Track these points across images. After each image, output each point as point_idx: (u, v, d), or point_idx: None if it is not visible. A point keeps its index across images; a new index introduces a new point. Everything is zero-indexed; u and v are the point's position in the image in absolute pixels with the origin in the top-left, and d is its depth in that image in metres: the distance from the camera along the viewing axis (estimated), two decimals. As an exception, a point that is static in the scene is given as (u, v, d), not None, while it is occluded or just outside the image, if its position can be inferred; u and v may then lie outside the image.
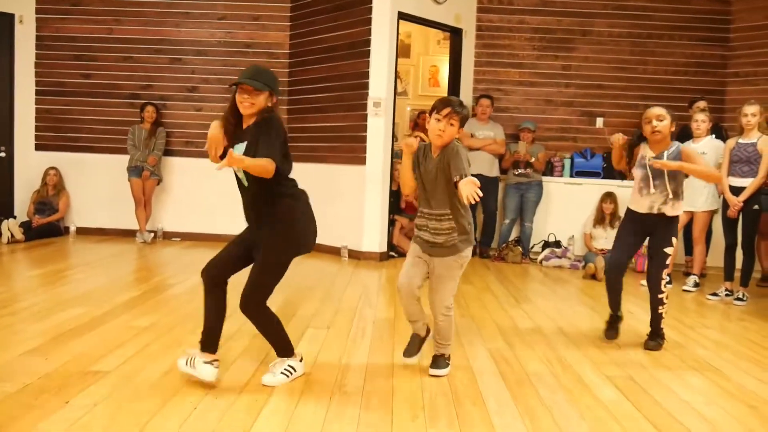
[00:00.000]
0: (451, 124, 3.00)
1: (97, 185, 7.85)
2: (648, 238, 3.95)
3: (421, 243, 3.19)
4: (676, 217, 3.84)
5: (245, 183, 2.97)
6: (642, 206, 3.83)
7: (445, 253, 3.11)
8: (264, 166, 2.76)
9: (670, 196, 3.74)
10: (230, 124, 2.96)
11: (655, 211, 3.79)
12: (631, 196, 3.98)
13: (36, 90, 7.90)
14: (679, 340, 4.05)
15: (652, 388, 3.18)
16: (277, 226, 2.96)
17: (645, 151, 3.83)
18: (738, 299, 5.33)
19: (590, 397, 3.01)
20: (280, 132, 2.89)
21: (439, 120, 3.01)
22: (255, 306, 2.96)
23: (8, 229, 7.02)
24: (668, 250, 3.82)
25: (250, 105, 2.88)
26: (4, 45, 7.71)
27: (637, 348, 3.87)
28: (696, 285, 5.90)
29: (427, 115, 3.09)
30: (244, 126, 2.96)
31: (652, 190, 3.76)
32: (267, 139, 2.84)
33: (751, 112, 5.21)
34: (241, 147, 2.90)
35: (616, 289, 3.98)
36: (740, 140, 5.28)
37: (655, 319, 3.91)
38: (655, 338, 3.89)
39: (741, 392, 3.17)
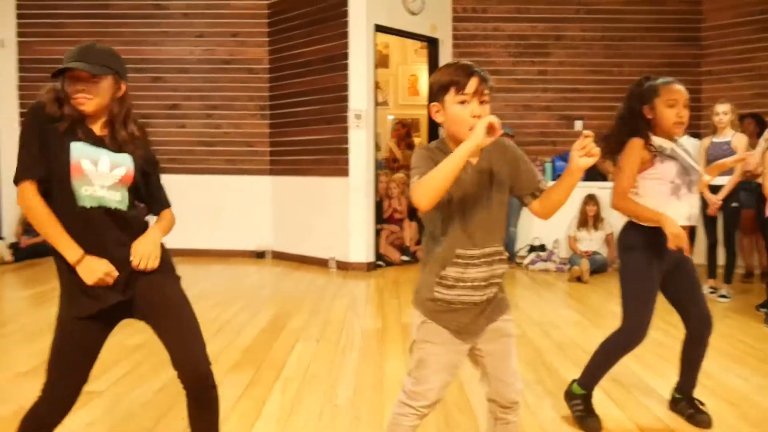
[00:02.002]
0: (483, 102, 1.83)
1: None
2: (670, 273, 2.76)
3: (460, 317, 1.90)
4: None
5: (123, 205, 2.02)
6: (681, 216, 2.60)
7: (497, 312, 1.97)
8: (172, 222, 2.19)
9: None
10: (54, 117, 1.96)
11: (694, 221, 2.68)
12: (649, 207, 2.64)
13: (20, 113, 7.90)
14: (663, 339, 4.13)
15: (636, 388, 3.26)
16: (168, 263, 2.10)
17: (660, 141, 2.65)
18: (722, 296, 5.42)
19: (575, 399, 3.08)
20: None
21: (464, 102, 1.82)
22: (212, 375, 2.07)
23: (-5, 251, 7.02)
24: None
25: (87, 100, 1.98)
26: (-15, 69, 7.73)
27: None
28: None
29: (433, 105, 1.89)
30: (93, 127, 2.02)
31: (693, 190, 2.65)
32: (158, 177, 2.19)
33: (722, 110, 5.32)
34: (102, 156, 1.99)
35: None
36: (714, 139, 5.38)
37: (696, 372, 2.86)
38: (700, 407, 2.84)
39: (723, 390, 3.24)
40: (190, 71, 7.90)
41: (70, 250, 1.92)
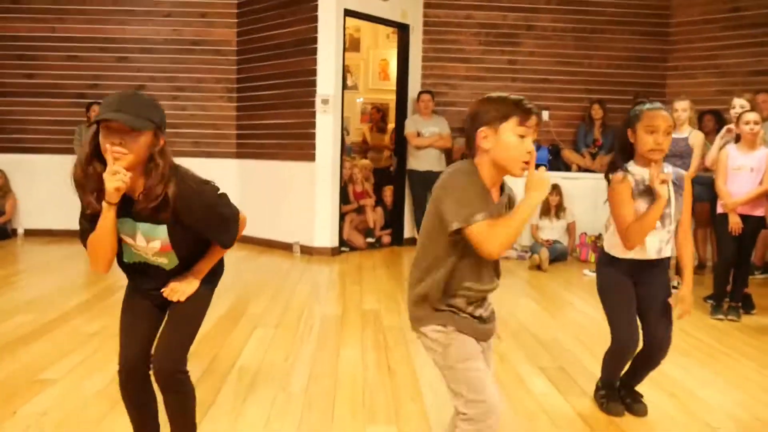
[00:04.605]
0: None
1: (44, 186, 7.74)
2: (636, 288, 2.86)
3: (481, 327, 2.06)
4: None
5: (171, 266, 2.13)
6: (650, 250, 2.75)
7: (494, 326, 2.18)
8: (218, 256, 2.20)
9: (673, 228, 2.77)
10: (91, 189, 1.90)
11: (663, 254, 2.77)
12: (611, 239, 2.81)
13: (-15, 89, 7.76)
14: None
15: (582, 377, 3.36)
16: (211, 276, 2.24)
17: (638, 171, 2.72)
18: (673, 287, 5.54)
19: (523, 391, 3.16)
20: (223, 199, 2.15)
21: (523, 136, 1.86)
22: (183, 367, 2.15)
23: (-47, 232, 6.92)
24: (671, 299, 2.90)
25: (123, 155, 1.82)
26: (-57, 44, 7.55)
27: (573, 338, 4.05)
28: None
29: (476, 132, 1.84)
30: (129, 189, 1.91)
31: (658, 224, 2.69)
32: (221, 218, 2.11)
33: (681, 107, 5.42)
34: (137, 232, 2.02)
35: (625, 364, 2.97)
36: (672, 135, 5.48)
37: (641, 378, 3.01)
38: (637, 397, 3.00)
39: (665, 381, 3.32)
40: (156, 51, 7.79)
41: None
